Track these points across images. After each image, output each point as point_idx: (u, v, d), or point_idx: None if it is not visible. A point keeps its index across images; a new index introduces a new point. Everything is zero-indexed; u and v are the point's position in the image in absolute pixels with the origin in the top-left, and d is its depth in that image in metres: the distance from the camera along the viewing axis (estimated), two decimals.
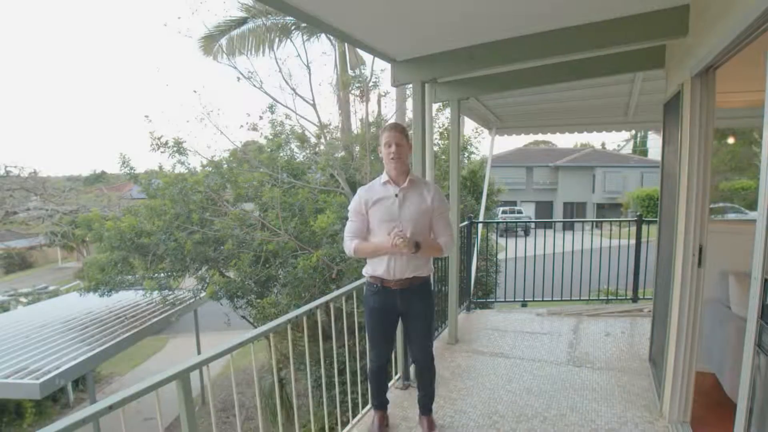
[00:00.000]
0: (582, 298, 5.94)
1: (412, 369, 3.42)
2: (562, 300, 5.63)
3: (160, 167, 7.94)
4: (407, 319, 2.68)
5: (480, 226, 6.07)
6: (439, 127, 9.45)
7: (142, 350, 14.07)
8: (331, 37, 9.08)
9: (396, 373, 3.52)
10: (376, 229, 2.57)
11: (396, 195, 2.54)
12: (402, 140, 2.51)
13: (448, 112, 8.96)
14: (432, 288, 2.74)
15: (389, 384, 3.41)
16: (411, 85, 3.84)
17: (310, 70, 8.38)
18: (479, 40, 3.00)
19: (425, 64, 3.22)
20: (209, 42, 9.54)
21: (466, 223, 5.20)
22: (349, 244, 2.60)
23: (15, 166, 14.90)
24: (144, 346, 14.22)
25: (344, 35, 2.88)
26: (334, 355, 5.29)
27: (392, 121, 8.74)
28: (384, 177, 2.59)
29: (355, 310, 3.07)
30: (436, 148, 9.16)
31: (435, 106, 9.33)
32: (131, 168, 7.56)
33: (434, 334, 4.14)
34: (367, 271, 2.66)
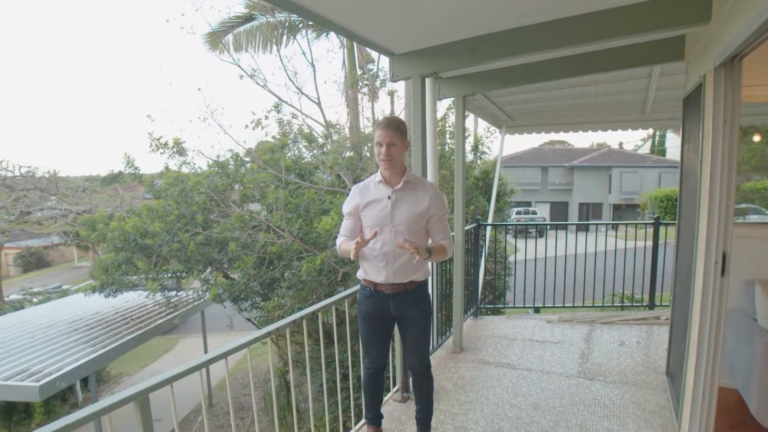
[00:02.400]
0: (596, 301, 5.68)
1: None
2: (574, 306, 5.38)
3: (166, 167, 7.85)
4: (402, 324, 2.52)
5: (489, 228, 5.85)
6: (450, 126, 9.24)
7: (153, 350, 14.12)
8: (339, 35, 8.91)
9: (394, 385, 3.33)
10: (368, 233, 2.41)
11: (389, 197, 2.36)
12: (395, 139, 2.29)
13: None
14: (428, 292, 2.56)
15: (387, 396, 3.23)
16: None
17: (314, 69, 8.23)
18: (482, 31, 2.80)
19: (425, 58, 3.03)
20: (214, 38, 9.45)
21: (473, 225, 4.99)
22: (338, 243, 2.49)
23: (29, 167, 15.06)
24: (155, 345, 14.30)
25: (337, 27, 2.70)
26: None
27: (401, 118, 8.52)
28: (378, 176, 2.41)
29: (347, 316, 2.88)
30: (446, 148, 8.95)
31: (445, 104, 9.14)
32: (136, 168, 7.49)
33: (431, 341, 3.92)
34: (360, 274, 2.50)
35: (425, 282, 2.52)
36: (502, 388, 3.38)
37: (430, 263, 2.58)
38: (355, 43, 9.24)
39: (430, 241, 2.45)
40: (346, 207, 2.46)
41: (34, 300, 14.02)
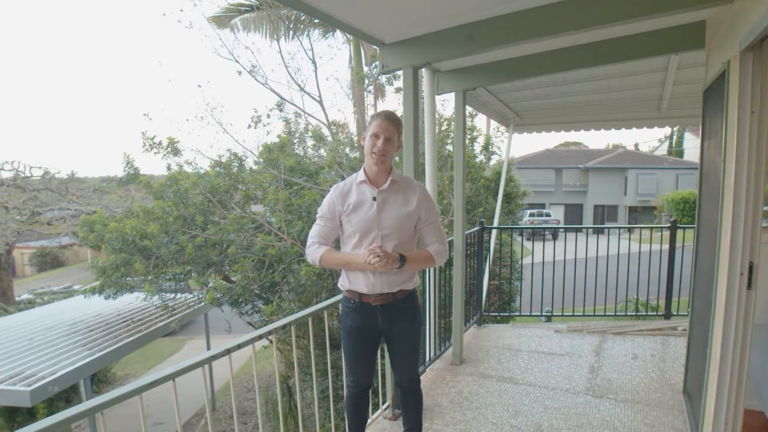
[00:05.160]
0: (609, 308, 5.32)
1: None
2: (584, 315, 5.05)
3: (168, 167, 7.71)
4: (390, 338, 2.29)
5: (494, 232, 5.57)
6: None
7: (160, 351, 14.07)
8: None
9: (384, 401, 3.09)
10: (349, 241, 2.18)
11: (374, 198, 2.13)
12: (393, 135, 2.10)
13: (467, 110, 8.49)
14: (419, 302, 2.32)
15: (376, 413, 3.00)
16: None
17: (316, 66, 8.03)
18: (479, 16, 2.55)
19: (417, 47, 2.78)
20: (220, 21, 9.31)
21: (476, 228, 4.73)
22: (315, 252, 2.18)
23: (40, 167, 15.16)
24: (161, 347, 14.25)
25: (322, 14, 2.47)
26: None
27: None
28: (361, 175, 2.17)
29: (326, 323, 2.65)
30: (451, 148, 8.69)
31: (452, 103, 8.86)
32: (135, 169, 7.37)
33: (428, 353, 3.68)
34: (343, 284, 2.25)
35: (415, 291, 2.29)
36: (503, 406, 3.11)
37: (417, 271, 2.32)
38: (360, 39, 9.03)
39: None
40: (324, 208, 2.21)
41: (44, 299, 14.06)
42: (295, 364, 2.41)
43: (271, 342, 7.48)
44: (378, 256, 1.99)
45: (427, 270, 3.44)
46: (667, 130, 38.53)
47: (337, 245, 2.28)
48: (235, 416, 2.20)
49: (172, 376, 1.65)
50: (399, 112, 2.72)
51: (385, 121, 2.09)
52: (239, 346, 1.93)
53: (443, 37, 2.70)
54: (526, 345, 4.26)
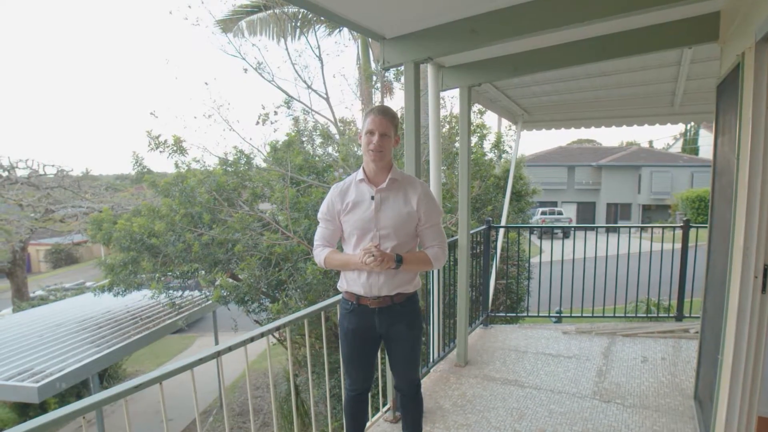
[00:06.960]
0: (619, 308, 5.18)
1: None
2: (593, 317, 4.94)
3: (176, 165, 7.72)
4: (388, 342, 2.23)
5: (501, 231, 5.47)
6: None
7: (169, 348, 14.18)
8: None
9: (385, 403, 3.03)
10: (349, 240, 2.13)
11: (372, 198, 2.07)
12: (389, 130, 2.03)
13: (474, 107, 8.37)
14: (418, 306, 2.26)
15: (376, 416, 2.94)
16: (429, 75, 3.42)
17: (322, 63, 7.96)
18: (483, 8, 2.46)
19: (418, 41, 2.71)
20: (227, 24, 9.29)
21: (483, 227, 4.64)
22: (320, 254, 2.19)
23: (53, 165, 15.34)
24: (171, 344, 14.36)
25: (322, 10, 2.41)
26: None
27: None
28: (360, 174, 2.12)
29: (323, 324, 2.59)
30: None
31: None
32: (143, 168, 7.38)
33: (432, 354, 3.63)
34: (342, 286, 2.21)
35: (415, 294, 2.22)
36: (507, 410, 3.03)
37: (418, 273, 2.26)
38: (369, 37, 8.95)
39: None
40: (323, 209, 2.18)
41: (57, 296, 14.24)
42: (290, 366, 2.36)
43: (278, 340, 7.48)
44: (373, 255, 1.94)
45: (432, 271, 3.38)
46: (682, 128, 37.92)
47: (341, 246, 2.24)
48: (226, 418, 2.16)
49: (159, 380, 1.61)
50: None
51: (379, 116, 2.03)
52: (230, 349, 1.89)
53: (444, 32, 2.62)
54: (533, 347, 4.17)
